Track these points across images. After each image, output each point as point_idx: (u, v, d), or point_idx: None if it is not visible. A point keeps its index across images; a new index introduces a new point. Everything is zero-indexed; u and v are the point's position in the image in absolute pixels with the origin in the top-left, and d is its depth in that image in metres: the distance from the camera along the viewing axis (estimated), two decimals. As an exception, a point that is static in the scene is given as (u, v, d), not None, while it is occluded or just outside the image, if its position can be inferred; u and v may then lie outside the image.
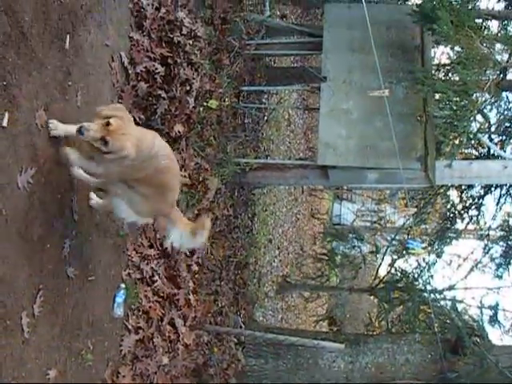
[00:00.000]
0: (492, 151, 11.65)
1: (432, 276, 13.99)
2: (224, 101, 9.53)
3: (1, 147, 4.53)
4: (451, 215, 14.13)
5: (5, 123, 4.49)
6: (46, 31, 5.18)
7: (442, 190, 13.38)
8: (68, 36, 5.56)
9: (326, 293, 18.28)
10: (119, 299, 6.84)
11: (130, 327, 7.08)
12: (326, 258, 15.66)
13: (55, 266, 5.49)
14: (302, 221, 21.40)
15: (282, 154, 16.59)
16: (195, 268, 8.62)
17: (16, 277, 4.84)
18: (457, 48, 9.91)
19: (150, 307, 7.40)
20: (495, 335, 13.93)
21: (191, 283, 8.38)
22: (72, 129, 4.99)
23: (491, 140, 12.14)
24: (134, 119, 6.88)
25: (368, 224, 21.50)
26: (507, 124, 12.43)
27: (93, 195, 6.00)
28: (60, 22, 5.42)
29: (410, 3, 17.33)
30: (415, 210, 13.76)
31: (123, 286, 6.95)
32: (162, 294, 7.65)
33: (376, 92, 8.39)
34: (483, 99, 9.95)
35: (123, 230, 6.93)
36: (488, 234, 14.13)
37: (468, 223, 14.10)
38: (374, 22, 7.49)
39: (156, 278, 7.49)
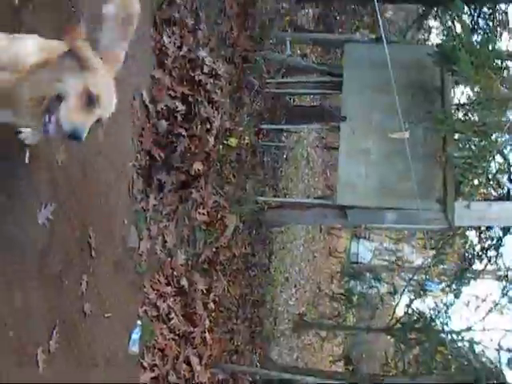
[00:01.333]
0: (512, 192, 11.60)
1: (450, 317, 13.88)
2: (244, 139, 9.56)
3: (22, 183, 4.55)
4: (470, 256, 14.05)
5: (27, 160, 4.52)
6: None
7: (460, 231, 13.31)
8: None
9: (343, 332, 18.15)
10: (135, 336, 6.81)
11: (145, 364, 7.03)
12: (343, 297, 15.58)
13: (72, 301, 5.49)
14: (319, 259, 21.34)
15: (300, 192, 16.59)
16: (212, 306, 8.57)
17: (33, 312, 4.83)
18: (477, 88, 9.91)
19: (165, 345, 7.36)
20: (513, 378, 13.80)
21: (207, 321, 8.34)
22: None
23: (511, 181, 12.08)
24: (154, 157, 6.95)
25: (386, 263, 21.44)
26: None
27: None
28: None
29: (430, 43, 17.45)
30: (433, 252, 13.68)
31: (139, 323, 6.92)
32: (177, 332, 7.60)
33: (396, 134, 8.39)
34: (503, 140, 9.91)
35: (141, 266, 6.92)
36: (507, 275, 14.02)
37: (487, 264, 14.01)
38: (394, 63, 7.50)
39: (172, 315, 7.46)
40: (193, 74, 7.58)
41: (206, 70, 7.77)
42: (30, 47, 3.51)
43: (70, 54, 3.36)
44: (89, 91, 3.27)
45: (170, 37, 7.34)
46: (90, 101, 3.27)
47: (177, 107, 7.26)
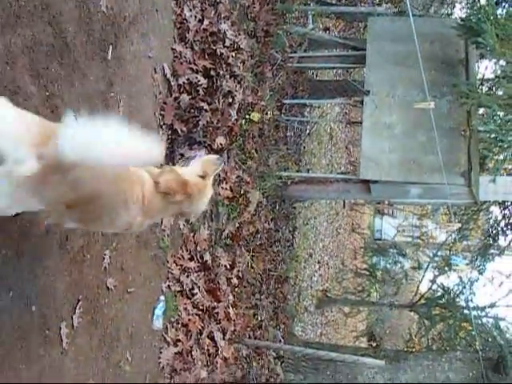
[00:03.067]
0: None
1: (474, 293, 13.84)
2: (266, 113, 9.50)
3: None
4: (494, 232, 13.97)
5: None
6: (89, 42, 5.19)
7: (484, 206, 13.22)
8: (111, 47, 5.58)
9: (366, 308, 18.15)
10: (158, 311, 6.82)
11: (168, 340, 7.05)
12: (367, 273, 15.57)
13: (95, 276, 5.50)
14: (342, 235, 21.31)
15: (323, 167, 16.54)
16: (235, 281, 8.56)
17: (56, 287, 4.84)
18: (502, 62, 9.79)
19: (189, 320, 7.36)
20: (539, 354, 13.74)
21: (231, 296, 8.33)
22: None
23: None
24: (176, 131, 6.90)
25: (409, 239, 21.39)
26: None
27: None
28: (103, 32, 5.44)
29: (454, 17, 17.28)
30: (458, 225, 13.61)
31: (163, 298, 6.92)
32: (201, 307, 7.60)
33: (422, 104, 8.29)
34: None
35: (164, 241, 6.91)
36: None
37: (511, 241, 13.93)
38: (418, 36, 7.40)
39: (196, 290, 7.45)
40: (214, 48, 7.51)
41: (227, 43, 7.70)
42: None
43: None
44: None
45: (191, 10, 7.27)
46: None
47: (199, 81, 7.20)
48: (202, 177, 4.29)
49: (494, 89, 12.36)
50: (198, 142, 7.13)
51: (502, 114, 8.96)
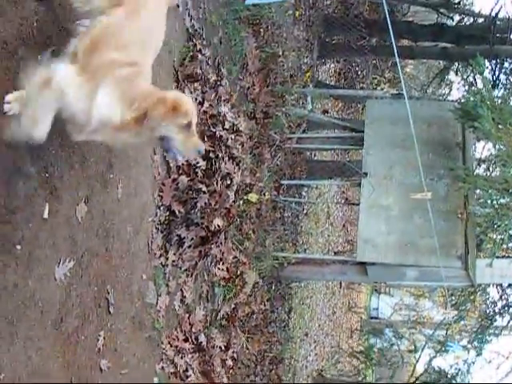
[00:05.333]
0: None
1: (471, 376, 13.72)
2: (264, 194, 9.55)
3: (40, 238, 4.54)
4: (491, 313, 13.92)
5: (45, 215, 4.52)
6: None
7: (481, 288, 13.20)
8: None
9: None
10: (152, 394, 6.74)
11: (162, 423, 6.95)
12: (363, 355, 15.44)
13: (89, 358, 5.45)
14: (338, 314, 21.16)
15: (320, 247, 16.52)
16: (230, 363, 8.47)
17: (49, 369, 4.80)
18: (498, 145, 9.88)
19: (183, 403, 7.28)
20: None
21: (225, 379, 8.23)
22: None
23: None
24: (174, 212, 6.93)
25: (406, 318, 21.26)
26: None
27: None
28: (104, 115, 5.49)
29: (451, 98, 17.51)
30: (454, 312, 13.56)
31: (156, 379, 6.85)
32: (195, 389, 7.52)
33: (418, 195, 8.36)
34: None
35: (159, 322, 6.86)
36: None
37: (509, 321, 13.87)
38: (415, 119, 7.50)
39: (190, 372, 7.36)
40: (214, 130, 7.59)
41: (227, 125, 7.79)
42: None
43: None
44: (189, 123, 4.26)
45: (191, 92, 7.37)
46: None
47: (197, 163, 7.26)
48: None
49: (490, 169, 12.47)
50: (196, 223, 7.15)
51: (498, 197, 8.99)
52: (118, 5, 4.23)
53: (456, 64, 15.58)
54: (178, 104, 4.18)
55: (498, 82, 13.56)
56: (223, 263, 8.29)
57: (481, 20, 14.65)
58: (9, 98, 4.09)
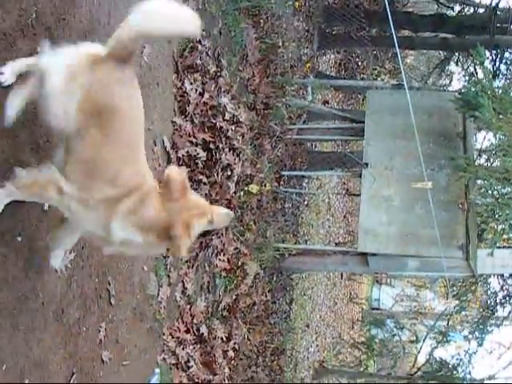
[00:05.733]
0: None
1: (472, 366, 13.73)
2: (265, 185, 9.54)
3: (41, 232, 4.53)
4: (492, 303, 13.93)
5: (46, 207, 4.51)
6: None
7: (482, 278, 13.19)
8: (111, 121, 5.62)
9: (364, 379, 17.95)
10: (153, 385, 6.75)
11: (163, 413, 6.96)
12: (365, 346, 15.44)
13: (90, 349, 5.46)
14: (340, 305, 21.16)
15: (321, 238, 16.51)
16: (231, 354, 8.48)
17: (50, 360, 4.80)
18: (499, 135, 9.86)
19: (184, 394, 7.28)
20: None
21: (227, 369, 8.24)
22: None
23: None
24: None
25: (407, 309, 21.26)
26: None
27: None
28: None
29: (451, 89, 17.49)
30: (456, 302, 13.55)
31: (158, 370, 6.85)
32: (196, 380, 7.50)
33: (419, 184, 8.35)
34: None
35: (160, 313, 6.86)
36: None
37: (510, 311, 13.88)
38: (416, 109, 7.49)
39: (191, 363, 7.37)
40: (214, 121, 7.58)
41: (227, 116, 7.79)
42: None
43: None
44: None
45: (191, 83, 7.36)
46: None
47: (198, 154, 7.26)
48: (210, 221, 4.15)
49: (491, 160, 12.44)
50: (196, 213, 7.14)
51: (499, 187, 8.98)
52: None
53: (456, 54, 15.57)
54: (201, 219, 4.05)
55: (498, 72, 13.55)
56: (224, 254, 8.29)
57: (481, 10, 14.64)
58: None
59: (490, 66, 12.82)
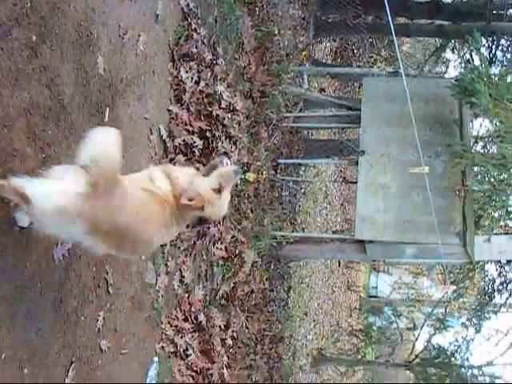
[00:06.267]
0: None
1: (470, 351, 13.77)
2: (261, 173, 9.53)
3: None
4: (490, 290, 13.95)
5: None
6: (86, 104, 5.24)
7: (479, 264, 13.21)
8: (107, 109, 5.62)
9: (362, 367, 18.01)
10: (152, 373, 6.75)
11: (162, 402, 6.98)
12: (363, 333, 15.49)
13: (89, 338, 5.47)
14: (338, 293, 21.22)
15: (318, 226, 16.53)
16: (230, 342, 8.49)
17: (49, 349, 4.82)
18: (495, 121, 9.86)
19: (182, 381, 7.28)
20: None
21: (225, 357, 8.24)
22: None
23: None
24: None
25: (405, 297, 21.32)
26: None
27: None
28: (100, 95, 5.49)
29: (448, 75, 17.46)
30: (453, 287, 13.58)
31: (156, 359, 6.86)
32: (195, 368, 7.52)
33: (416, 169, 8.35)
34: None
35: (158, 302, 6.87)
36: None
37: (508, 298, 13.90)
38: (412, 96, 7.47)
39: (190, 351, 7.39)
40: (210, 109, 7.57)
41: (223, 104, 7.77)
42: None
43: None
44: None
45: (187, 72, 7.35)
46: None
47: (194, 142, 7.25)
48: (218, 189, 4.44)
49: (488, 146, 12.44)
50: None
51: (496, 173, 8.98)
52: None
53: (453, 41, 15.53)
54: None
55: (494, 59, 13.52)
56: (222, 242, 8.29)
57: (477, -3, 14.61)
58: None
59: (486, 53, 12.80)
